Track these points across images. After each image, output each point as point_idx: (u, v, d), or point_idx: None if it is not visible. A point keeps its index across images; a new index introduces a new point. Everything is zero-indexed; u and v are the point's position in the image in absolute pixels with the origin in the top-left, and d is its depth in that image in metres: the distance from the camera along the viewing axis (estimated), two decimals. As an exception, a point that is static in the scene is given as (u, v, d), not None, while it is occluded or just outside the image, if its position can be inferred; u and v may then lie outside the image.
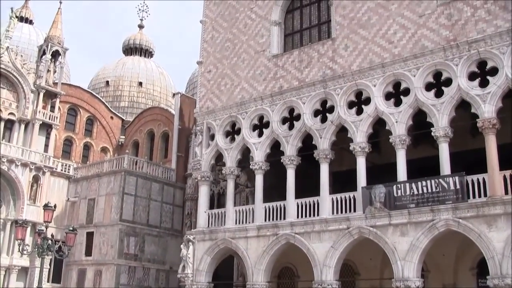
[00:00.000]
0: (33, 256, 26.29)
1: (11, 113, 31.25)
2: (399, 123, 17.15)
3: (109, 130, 40.38)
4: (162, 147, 36.38)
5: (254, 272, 19.11)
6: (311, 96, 19.35)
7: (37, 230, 18.80)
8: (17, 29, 40.13)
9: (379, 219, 16.66)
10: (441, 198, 15.62)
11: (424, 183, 15.98)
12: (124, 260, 28.24)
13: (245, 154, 21.37)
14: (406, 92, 17.29)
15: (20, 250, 17.30)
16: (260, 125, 20.86)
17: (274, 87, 20.56)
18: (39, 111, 31.68)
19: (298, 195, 19.02)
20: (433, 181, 15.83)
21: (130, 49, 52.57)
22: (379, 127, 18.19)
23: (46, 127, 32.16)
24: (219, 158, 22.06)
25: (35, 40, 44.57)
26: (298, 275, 22.06)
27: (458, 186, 15.36)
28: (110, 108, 41.77)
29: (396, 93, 17.63)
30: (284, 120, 20.21)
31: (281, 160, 19.63)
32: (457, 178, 15.46)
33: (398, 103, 17.49)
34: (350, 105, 18.52)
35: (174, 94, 39.44)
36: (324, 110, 19.18)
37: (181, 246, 21.43)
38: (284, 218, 19.07)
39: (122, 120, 42.00)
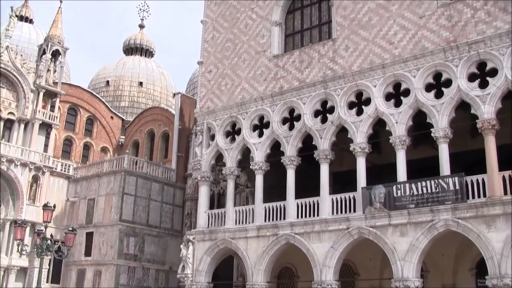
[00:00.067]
0: (32, 256, 26.31)
1: (10, 113, 31.25)
2: (399, 124, 17.19)
3: (109, 130, 40.39)
4: (162, 147, 36.39)
5: (254, 272, 19.13)
6: (312, 97, 19.39)
7: (36, 230, 18.76)
8: (17, 28, 40.13)
9: (379, 220, 16.70)
10: (441, 198, 15.66)
11: (423, 183, 16.02)
12: (124, 260, 28.22)
13: (245, 154, 21.40)
14: (406, 93, 17.33)
15: (19, 250, 17.27)
16: (261, 126, 20.89)
17: (275, 88, 20.60)
18: (39, 111, 31.66)
19: (298, 195, 19.05)
20: (432, 182, 15.87)
21: (131, 49, 52.60)
22: (379, 128, 18.23)
23: (46, 127, 32.14)
24: (219, 158, 22.09)
25: (35, 39, 44.57)
26: (298, 275, 22.08)
27: (457, 187, 15.41)
28: (110, 108, 41.78)
29: (396, 94, 17.67)
30: (284, 121, 20.24)
31: (281, 161, 19.65)
32: (456, 178, 15.51)
33: (398, 103, 17.53)
34: (351, 105, 18.56)
35: (174, 94, 39.48)
36: (324, 111, 19.21)
37: (181, 246, 21.45)
38: (284, 218, 19.09)
39: (122, 120, 42.02)
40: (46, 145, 31.92)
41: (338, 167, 20.96)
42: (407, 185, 16.39)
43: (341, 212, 17.88)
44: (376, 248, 17.07)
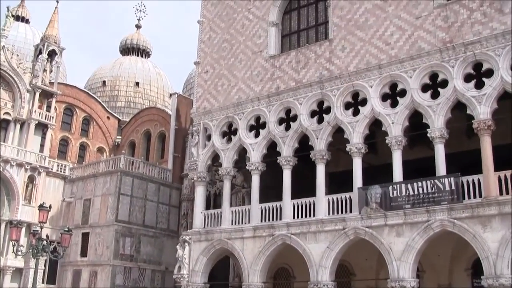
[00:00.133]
0: (27, 257, 26.17)
1: (6, 113, 31.14)
2: (395, 124, 17.22)
3: (105, 130, 40.29)
4: (158, 148, 36.33)
5: (250, 273, 19.11)
6: (308, 97, 19.40)
7: (32, 231, 18.70)
8: (13, 28, 39.96)
9: (375, 220, 16.72)
10: (437, 198, 15.70)
11: (419, 184, 16.05)
12: (120, 261, 28.13)
13: (242, 154, 21.39)
14: (403, 93, 17.36)
15: (15, 251, 17.18)
16: (257, 126, 20.88)
17: (271, 88, 20.60)
18: (35, 111, 31.56)
19: (294, 195, 19.05)
20: (428, 182, 15.91)
21: (127, 49, 52.48)
22: (376, 128, 18.26)
23: (42, 127, 32.06)
24: (215, 159, 22.07)
25: (31, 39, 44.42)
26: (294, 276, 22.08)
27: (453, 187, 15.45)
28: (107, 108, 41.66)
29: (393, 94, 17.70)
30: (280, 121, 20.25)
31: (278, 161, 19.66)
32: (452, 179, 15.54)
33: (394, 104, 17.57)
34: (347, 106, 18.58)
35: (171, 95, 39.43)
36: (320, 111, 19.23)
37: (177, 246, 21.41)
38: (280, 219, 19.08)
39: (119, 120, 41.91)
40: (42, 145, 31.82)
41: (334, 168, 20.98)
42: (403, 185, 16.42)
43: (337, 213, 17.89)
44: (372, 248, 17.08)
